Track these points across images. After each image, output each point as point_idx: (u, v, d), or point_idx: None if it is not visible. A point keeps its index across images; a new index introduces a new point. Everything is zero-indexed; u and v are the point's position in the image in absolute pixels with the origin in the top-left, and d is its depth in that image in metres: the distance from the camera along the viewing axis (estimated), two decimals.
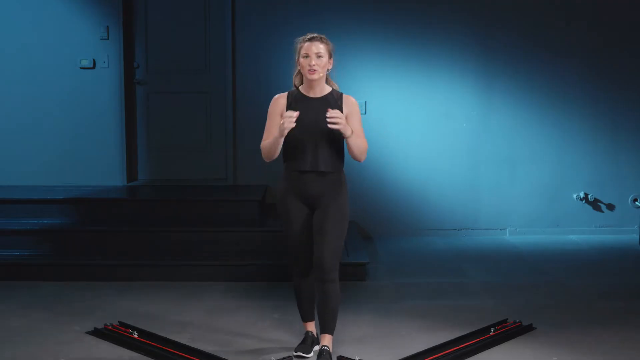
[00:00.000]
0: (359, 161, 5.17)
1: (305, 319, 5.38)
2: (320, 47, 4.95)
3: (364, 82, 8.91)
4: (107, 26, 8.95)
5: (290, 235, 5.13)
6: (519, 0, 9.02)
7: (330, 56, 5.01)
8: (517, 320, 5.92)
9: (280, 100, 5.09)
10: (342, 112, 5.00)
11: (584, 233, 9.16)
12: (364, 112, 8.29)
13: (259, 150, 5.11)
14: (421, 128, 9.08)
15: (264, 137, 5.08)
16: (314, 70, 4.93)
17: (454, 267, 7.76)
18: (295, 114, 4.84)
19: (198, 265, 7.29)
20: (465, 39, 9.01)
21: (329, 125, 4.83)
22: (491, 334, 5.65)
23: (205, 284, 7.10)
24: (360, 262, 7.26)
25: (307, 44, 4.97)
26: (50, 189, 8.67)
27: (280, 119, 4.96)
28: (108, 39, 8.96)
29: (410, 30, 8.99)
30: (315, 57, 4.93)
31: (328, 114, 4.82)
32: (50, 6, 8.93)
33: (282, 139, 4.91)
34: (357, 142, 4.99)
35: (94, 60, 8.96)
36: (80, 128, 9.03)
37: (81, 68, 8.97)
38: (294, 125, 4.83)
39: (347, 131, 4.89)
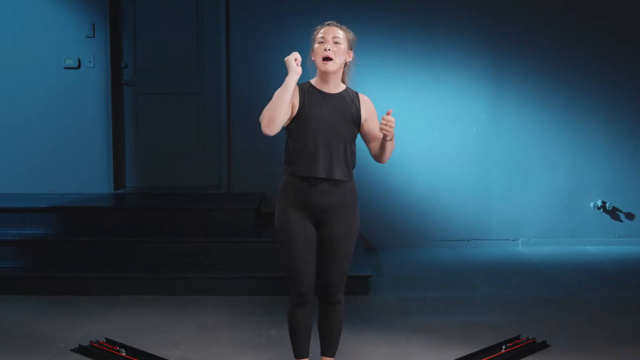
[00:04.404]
0: (382, 163, 4.86)
1: (300, 354, 4.93)
2: (338, 33, 4.64)
3: (366, 82, 8.82)
4: (93, 23, 8.96)
5: (290, 256, 4.69)
6: None
7: (350, 47, 4.70)
8: (531, 337, 5.93)
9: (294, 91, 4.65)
10: (359, 112, 4.73)
11: (602, 244, 9.18)
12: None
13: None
14: (428, 132, 9.10)
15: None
16: (329, 57, 4.59)
17: (463, 280, 7.78)
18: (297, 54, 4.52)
19: (190, 278, 7.30)
20: (475, 36, 9.04)
21: (381, 131, 4.53)
22: (502, 351, 5.66)
23: (197, 298, 7.11)
24: (363, 275, 7.27)
25: (324, 28, 4.67)
26: (33, 197, 8.68)
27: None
28: (94, 36, 8.97)
29: (415, 27, 9.02)
30: (332, 42, 4.61)
31: (384, 120, 4.50)
32: (32, 1, 8.93)
33: (292, 82, 4.48)
34: (393, 145, 4.70)
35: (79, 59, 8.97)
36: (64, 132, 9.04)
37: (65, 68, 8.98)
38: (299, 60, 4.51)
39: (392, 135, 4.60)
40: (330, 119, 4.63)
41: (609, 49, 9.12)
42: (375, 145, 4.77)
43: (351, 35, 4.73)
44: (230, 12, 8.98)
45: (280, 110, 4.44)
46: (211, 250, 7.62)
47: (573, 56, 9.09)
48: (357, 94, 4.81)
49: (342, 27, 4.70)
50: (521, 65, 9.09)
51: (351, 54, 4.73)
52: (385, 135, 4.61)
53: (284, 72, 4.54)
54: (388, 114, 4.54)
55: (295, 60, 4.52)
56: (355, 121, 4.72)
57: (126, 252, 7.62)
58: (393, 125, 4.52)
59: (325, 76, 4.68)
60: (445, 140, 9.11)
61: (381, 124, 4.52)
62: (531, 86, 9.09)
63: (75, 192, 8.96)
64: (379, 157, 4.78)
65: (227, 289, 7.22)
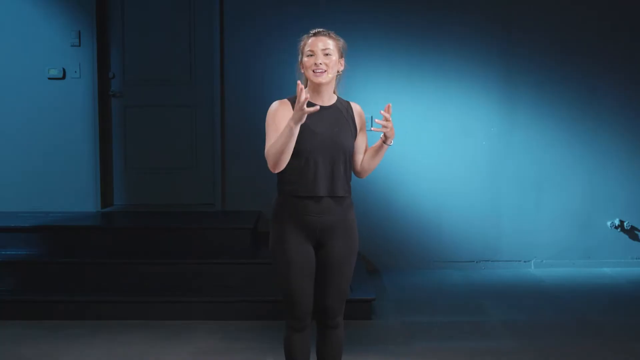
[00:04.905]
0: (362, 177, 4.95)
1: None
2: (328, 43, 4.65)
3: (370, 94, 8.91)
4: (79, 31, 9.00)
5: (286, 279, 4.69)
6: (546, 2, 9.10)
7: (341, 55, 4.73)
8: None
9: (285, 105, 4.68)
10: (354, 123, 4.78)
11: (620, 265, 9.21)
12: (369, 128, 8.32)
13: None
14: (435, 146, 9.14)
15: (267, 144, 4.59)
16: (321, 71, 4.62)
17: (472, 304, 7.82)
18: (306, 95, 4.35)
19: (182, 302, 7.35)
20: (485, 46, 9.08)
21: (375, 129, 4.60)
22: None
23: (189, 323, 7.16)
24: (366, 298, 7.31)
25: (312, 39, 4.67)
26: (14, 216, 8.71)
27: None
28: (80, 45, 9.00)
29: (422, 35, 9.05)
30: (322, 54, 4.62)
31: (384, 121, 4.57)
32: (13, 7, 8.97)
33: (298, 129, 4.42)
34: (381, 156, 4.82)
35: (63, 69, 9.02)
36: (48, 146, 9.08)
37: (49, 78, 9.02)
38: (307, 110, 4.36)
39: (392, 138, 4.68)
40: (327, 134, 4.66)
41: (630, 59, 9.15)
42: (361, 158, 4.86)
43: (341, 42, 4.75)
44: (224, 19, 8.99)
45: (285, 155, 4.48)
46: (204, 272, 7.66)
47: (590, 66, 9.11)
48: (349, 103, 4.86)
49: (331, 34, 4.72)
50: (534, 75, 9.11)
51: (342, 62, 4.76)
52: (385, 139, 4.70)
53: (282, 82, 4.60)
54: (387, 109, 4.60)
55: (300, 102, 4.34)
56: (353, 133, 4.77)
57: (113, 274, 7.65)
58: (392, 125, 4.62)
59: (317, 88, 4.70)
60: (452, 155, 9.15)
61: (382, 124, 4.60)
62: (545, 98, 9.12)
63: (60, 211, 9.00)
64: (366, 169, 4.87)
65: (221, 314, 7.27)
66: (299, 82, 4.36)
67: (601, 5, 9.11)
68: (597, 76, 9.13)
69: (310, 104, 4.61)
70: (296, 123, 4.38)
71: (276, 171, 4.56)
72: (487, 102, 9.12)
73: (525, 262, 9.22)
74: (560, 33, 9.09)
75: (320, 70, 4.61)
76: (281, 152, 4.46)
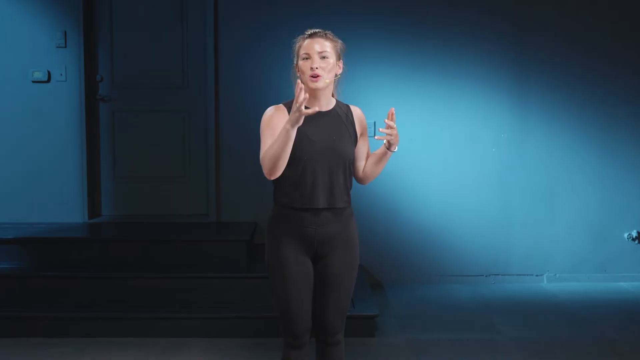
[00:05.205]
0: (364, 184, 4.93)
1: None
2: (325, 45, 4.59)
3: (373, 98, 8.92)
4: (65, 31, 9.01)
5: (284, 295, 4.66)
6: (560, 0, 9.11)
7: (339, 57, 4.68)
8: None
9: (280, 111, 4.64)
10: (355, 128, 4.74)
11: (637, 279, 9.22)
12: (372, 134, 8.32)
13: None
14: (441, 153, 9.15)
15: (262, 150, 4.56)
16: (318, 75, 4.56)
17: (481, 320, 7.81)
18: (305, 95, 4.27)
19: (173, 319, 7.34)
20: (495, 47, 9.09)
21: (379, 137, 4.53)
22: None
23: (182, 340, 7.15)
24: (368, 314, 7.31)
25: (307, 41, 4.62)
26: None
27: None
28: (65, 46, 9.01)
29: (429, 36, 9.06)
30: (319, 58, 4.58)
31: (387, 127, 4.50)
32: None
33: (295, 132, 4.37)
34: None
35: (48, 72, 9.02)
36: (32, 154, 9.08)
37: (33, 82, 9.02)
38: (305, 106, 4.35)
39: (397, 145, 4.63)
40: (326, 142, 4.62)
41: None
42: (362, 164, 4.83)
43: (339, 43, 4.71)
44: (218, 17, 9.00)
45: (281, 160, 4.42)
46: (197, 286, 7.64)
47: (607, 69, 9.12)
48: (348, 107, 4.81)
49: (328, 35, 4.67)
50: (548, 78, 9.11)
51: (340, 64, 4.72)
52: (389, 145, 4.64)
53: (279, 86, 4.57)
54: (390, 114, 4.54)
55: (298, 102, 4.27)
56: (353, 139, 4.73)
57: (101, 288, 7.64)
58: (396, 131, 4.55)
59: (314, 92, 4.64)
60: (460, 162, 9.15)
61: (386, 132, 4.53)
62: (559, 102, 9.12)
63: (45, 222, 9.01)
64: (368, 175, 4.83)
65: (215, 330, 7.26)
66: (298, 81, 4.32)
67: (619, 5, 9.11)
68: (614, 80, 9.13)
69: (306, 110, 4.57)
70: (293, 125, 4.32)
71: (272, 178, 4.51)
72: (497, 106, 9.13)
73: (537, 276, 9.22)
74: (575, 35, 9.09)
75: (316, 75, 4.56)
76: (277, 157, 4.40)
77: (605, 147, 9.17)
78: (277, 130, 4.55)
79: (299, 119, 4.30)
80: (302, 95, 4.24)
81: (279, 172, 4.47)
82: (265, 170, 4.48)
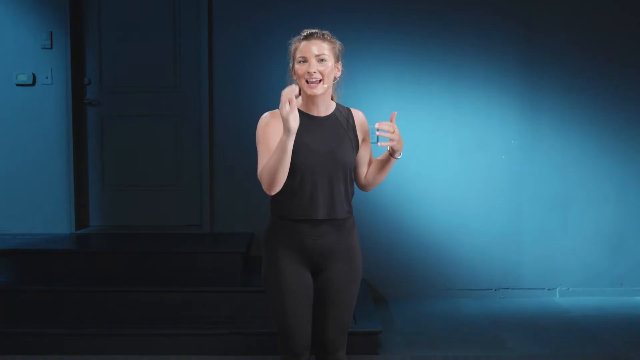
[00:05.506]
0: (367, 191, 4.91)
1: None
2: (323, 47, 4.53)
3: (376, 102, 8.92)
4: (50, 31, 9.02)
5: (282, 310, 4.65)
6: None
7: (337, 59, 4.63)
8: None
9: (276, 118, 4.58)
10: (356, 133, 4.71)
11: None
12: (375, 140, 8.32)
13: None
14: (448, 160, 9.15)
15: (260, 164, 4.51)
16: (315, 80, 4.51)
17: (490, 336, 7.81)
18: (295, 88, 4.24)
19: (165, 335, 7.33)
20: (505, 49, 9.09)
21: (382, 144, 4.46)
22: None
23: (174, 358, 7.15)
24: (371, 330, 7.31)
25: (303, 43, 4.56)
26: None
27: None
28: (51, 47, 9.02)
29: (435, 37, 9.06)
30: (316, 61, 4.51)
31: (390, 133, 4.44)
32: None
33: (292, 142, 4.30)
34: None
35: (33, 75, 9.03)
36: (16, 161, 9.08)
37: (17, 85, 9.03)
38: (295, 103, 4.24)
39: (401, 151, 4.58)
40: (326, 149, 4.59)
41: None
42: (364, 171, 4.82)
43: (337, 45, 4.65)
44: (213, 18, 9.01)
45: (280, 175, 4.37)
46: (191, 301, 7.66)
47: (622, 71, 9.13)
48: (349, 110, 4.78)
49: (326, 36, 4.61)
50: (560, 81, 9.12)
51: (340, 66, 4.67)
52: (393, 151, 4.61)
53: (277, 89, 4.53)
54: (391, 118, 4.52)
55: (290, 101, 4.22)
56: (354, 145, 4.71)
57: (90, 303, 7.65)
58: (399, 135, 4.50)
59: (312, 97, 4.61)
60: (468, 170, 9.16)
61: (388, 137, 4.49)
62: (572, 106, 9.13)
63: (29, 233, 9.01)
64: (371, 182, 4.82)
65: (209, 347, 7.26)
66: (294, 86, 4.25)
67: (634, 4, 9.10)
68: (629, 83, 9.14)
69: (303, 115, 4.59)
70: (288, 135, 4.27)
71: (272, 193, 4.47)
72: (507, 110, 9.13)
73: (549, 290, 9.22)
74: (590, 36, 9.10)
75: (314, 80, 4.52)
76: (275, 172, 4.35)
77: (620, 153, 9.17)
78: (272, 140, 4.52)
79: (291, 124, 4.23)
80: (285, 108, 4.20)
81: (278, 187, 4.43)
82: (264, 186, 4.43)
